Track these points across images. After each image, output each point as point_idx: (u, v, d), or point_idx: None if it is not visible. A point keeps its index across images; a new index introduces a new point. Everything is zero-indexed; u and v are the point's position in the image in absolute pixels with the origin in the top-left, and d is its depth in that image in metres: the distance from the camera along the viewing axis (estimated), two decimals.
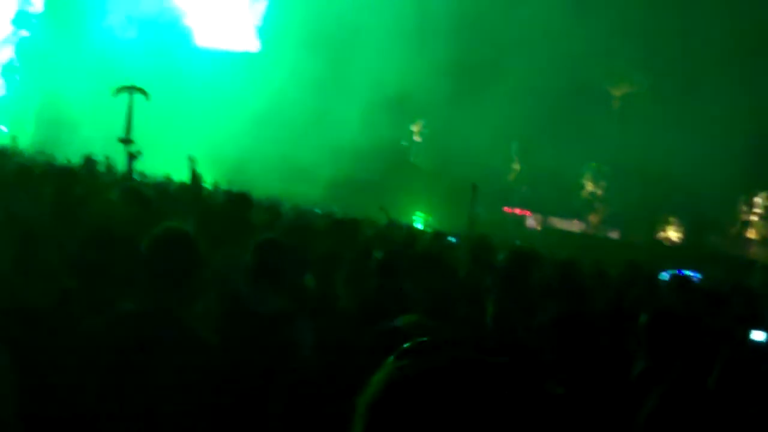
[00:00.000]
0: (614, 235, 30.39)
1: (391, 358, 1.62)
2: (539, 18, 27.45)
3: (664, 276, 11.16)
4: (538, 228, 30.74)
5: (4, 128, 32.16)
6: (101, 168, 12.66)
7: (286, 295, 4.95)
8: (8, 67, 35.62)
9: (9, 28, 35.06)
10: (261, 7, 34.02)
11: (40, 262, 5.39)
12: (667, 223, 31.06)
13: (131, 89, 21.50)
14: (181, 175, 15.94)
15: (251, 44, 33.82)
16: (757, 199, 30.37)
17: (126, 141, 15.85)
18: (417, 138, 33.67)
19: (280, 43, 32.16)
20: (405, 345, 1.66)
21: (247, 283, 5.00)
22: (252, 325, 4.62)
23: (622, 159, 29.06)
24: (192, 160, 11.77)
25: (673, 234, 31.11)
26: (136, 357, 3.85)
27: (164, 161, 19.69)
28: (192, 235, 4.23)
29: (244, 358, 4.39)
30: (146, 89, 28.55)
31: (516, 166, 32.52)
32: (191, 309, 4.15)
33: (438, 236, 12.73)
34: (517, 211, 31.71)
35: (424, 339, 1.67)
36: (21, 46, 35.25)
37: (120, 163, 13.69)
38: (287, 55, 30.67)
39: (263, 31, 34.10)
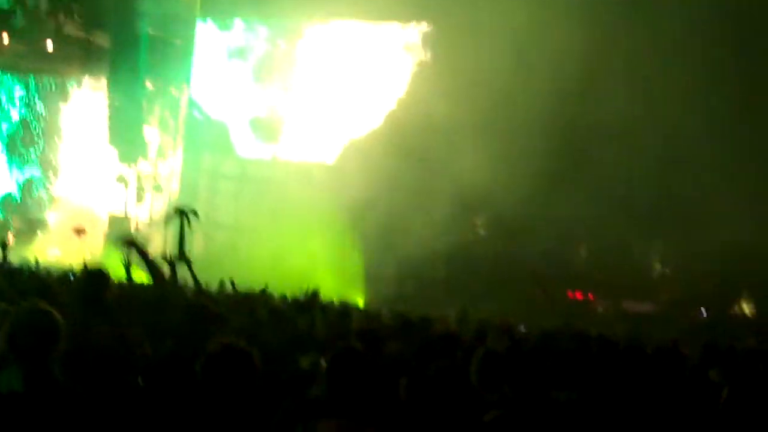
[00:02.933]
0: (688, 313, 29.93)
1: None
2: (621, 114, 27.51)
3: None
4: (606, 311, 30.18)
5: None
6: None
7: None
8: None
9: None
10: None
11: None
12: (740, 296, 30.55)
13: (181, 212, 21.70)
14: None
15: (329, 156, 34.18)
16: None
17: (182, 257, 15.79)
18: (481, 231, 33.58)
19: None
20: None
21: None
22: None
23: (691, 236, 28.70)
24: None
25: (747, 308, 30.58)
26: None
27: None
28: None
29: None
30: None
31: (582, 251, 32.24)
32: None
33: (508, 329, 12.69)
34: (579, 295, 31.11)
35: None
36: None
37: None
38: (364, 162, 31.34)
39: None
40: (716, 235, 26.43)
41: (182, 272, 11.25)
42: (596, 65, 27.73)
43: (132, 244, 7.75)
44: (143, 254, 7.79)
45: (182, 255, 13.12)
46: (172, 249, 16.90)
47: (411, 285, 29.40)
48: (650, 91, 28.38)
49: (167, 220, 25.04)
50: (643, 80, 28.60)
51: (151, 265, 7.76)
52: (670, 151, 28.36)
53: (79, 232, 28.34)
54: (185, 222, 19.63)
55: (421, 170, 29.85)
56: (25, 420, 4.08)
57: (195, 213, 21.41)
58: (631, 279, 30.53)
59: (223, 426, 4.26)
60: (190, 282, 11.42)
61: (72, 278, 15.19)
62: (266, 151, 35.19)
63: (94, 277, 7.60)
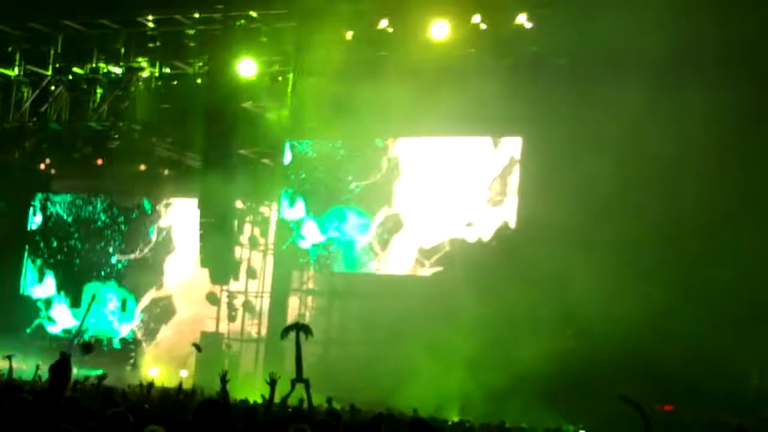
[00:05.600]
0: None
1: None
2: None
3: None
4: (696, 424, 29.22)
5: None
6: None
7: None
8: None
9: None
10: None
11: None
12: None
13: (298, 328, 21.94)
14: None
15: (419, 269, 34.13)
16: None
17: (300, 380, 15.96)
18: (570, 342, 33.27)
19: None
20: None
21: None
22: None
23: None
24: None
25: None
26: None
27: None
28: None
29: None
30: None
31: (673, 359, 31.51)
32: None
33: None
34: (667, 407, 30.17)
35: None
36: None
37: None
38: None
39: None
40: None
41: None
42: (686, 171, 27.64)
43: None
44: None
45: (299, 375, 13.24)
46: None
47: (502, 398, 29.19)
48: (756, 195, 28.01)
49: (282, 336, 25.26)
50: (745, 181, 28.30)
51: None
52: None
53: (198, 347, 28.81)
54: (300, 339, 19.84)
55: (515, 282, 29.70)
56: None
57: (309, 330, 21.61)
58: (725, 391, 29.72)
59: None
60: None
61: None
62: (356, 265, 35.29)
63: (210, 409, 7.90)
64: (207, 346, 33.47)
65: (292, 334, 18.88)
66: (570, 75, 29.55)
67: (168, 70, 34.74)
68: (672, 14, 26.24)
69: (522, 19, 30.11)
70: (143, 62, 35.73)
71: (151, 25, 34.64)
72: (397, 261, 34.51)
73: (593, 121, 28.15)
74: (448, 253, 33.59)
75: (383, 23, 31.25)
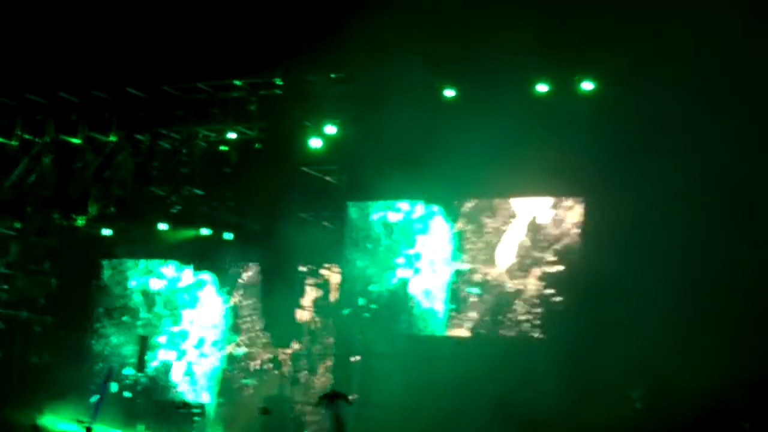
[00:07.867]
0: None
1: None
2: None
3: None
4: None
5: None
6: None
7: None
8: None
9: None
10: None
11: None
12: None
13: (334, 396, 21.72)
14: None
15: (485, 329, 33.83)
16: None
17: None
18: (638, 404, 32.76)
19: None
20: None
21: None
22: None
23: None
24: None
25: None
26: None
27: None
28: None
29: None
30: None
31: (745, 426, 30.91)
32: None
33: None
34: None
35: None
36: None
37: None
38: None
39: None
40: None
41: None
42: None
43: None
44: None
45: None
46: None
47: None
48: None
49: (317, 405, 25.07)
50: None
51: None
52: None
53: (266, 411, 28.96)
54: (339, 406, 19.52)
55: (580, 343, 29.34)
56: None
57: (346, 398, 21.26)
58: None
59: None
60: None
61: None
62: (416, 328, 35.07)
63: None
64: (272, 410, 33.53)
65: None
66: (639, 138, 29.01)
67: (231, 135, 34.86)
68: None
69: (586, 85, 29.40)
70: (203, 127, 36.03)
71: (210, 90, 34.90)
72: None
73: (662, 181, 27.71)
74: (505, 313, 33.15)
75: (446, 92, 31.10)
